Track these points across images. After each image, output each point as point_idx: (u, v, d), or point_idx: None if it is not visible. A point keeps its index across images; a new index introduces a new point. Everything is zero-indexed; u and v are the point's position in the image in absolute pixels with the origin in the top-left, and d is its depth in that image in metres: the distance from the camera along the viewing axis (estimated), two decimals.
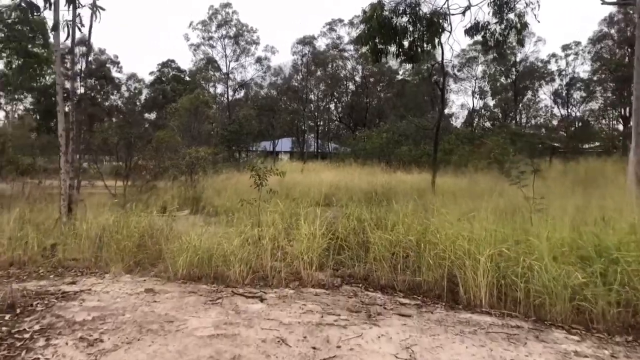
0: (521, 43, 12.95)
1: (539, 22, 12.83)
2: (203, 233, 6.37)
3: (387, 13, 11.72)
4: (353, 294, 5.01)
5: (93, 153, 14.35)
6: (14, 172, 11.98)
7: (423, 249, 5.40)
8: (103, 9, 6.06)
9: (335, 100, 55.39)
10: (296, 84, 52.40)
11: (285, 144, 49.33)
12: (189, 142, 22.70)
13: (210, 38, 48.78)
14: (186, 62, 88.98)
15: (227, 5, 47.60)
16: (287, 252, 6.13)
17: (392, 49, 12.08)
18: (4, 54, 26.20)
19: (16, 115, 44.25)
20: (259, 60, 50.63)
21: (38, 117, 40.69)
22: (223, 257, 5.53)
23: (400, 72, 51.43)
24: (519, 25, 12.03)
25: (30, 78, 29.31)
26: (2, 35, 25.68)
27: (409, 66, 44.17)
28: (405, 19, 11.81)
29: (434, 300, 4.84)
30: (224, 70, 50.03)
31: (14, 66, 27.35)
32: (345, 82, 54.00)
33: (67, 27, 6.73)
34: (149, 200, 11.72)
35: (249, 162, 26.88)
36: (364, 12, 12.11)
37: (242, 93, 54.03)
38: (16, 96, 37.99)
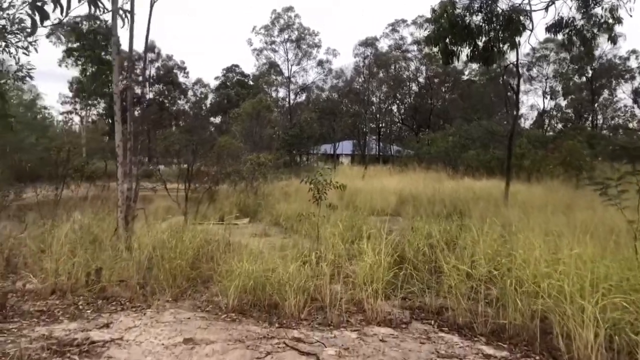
0: (614, 41, 11.53)
1: (631, 16, 11.46)
2: (259, 253, 5.93)
3: (459, 11, 10.83)
4: (425, 336, 4.32)
5: (157, 158, 14.56)
6: (79, 180, 12.25)
7: (509, 284, 4.58)
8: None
9: (397, 102, 54.23)
10: (357, 87, 51.78)
11: (346, 146, 48.70)
12: (251, 147, 22.74)
13: (273, 42, 49.31)
14: (249, 66, 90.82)
15: (290, 9, 47.91)
16: (348, 276, 5.55)
17: (465, 49, 11.16)
18: (79, 62, 27.76)
19: (90, 120, 46.97)
20: (320, 63, 50.70)
21: (110, 122, 42.85)
22: (278, 283, 5.03)
23: (466, 73, 49.57)
24: (610, 20, 10.70)
25: (102, 84, 30.87)
26: (78, 44, 27.19)
27: (475, 66, 42.44)
28: (479, 17, 10.86)
29: (523, 349, 4.05)
30: (286, 74, 50.44)
31: (88, 73, 28.93)
32: (408, 84, 52.77)
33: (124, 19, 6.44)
34: (207, 211, 11.59)
35: (309, 167, 26.60)
36: (433, 10, 11.27)
37: (303, 96, 54.34)
38: (90, 102, 40.28)
